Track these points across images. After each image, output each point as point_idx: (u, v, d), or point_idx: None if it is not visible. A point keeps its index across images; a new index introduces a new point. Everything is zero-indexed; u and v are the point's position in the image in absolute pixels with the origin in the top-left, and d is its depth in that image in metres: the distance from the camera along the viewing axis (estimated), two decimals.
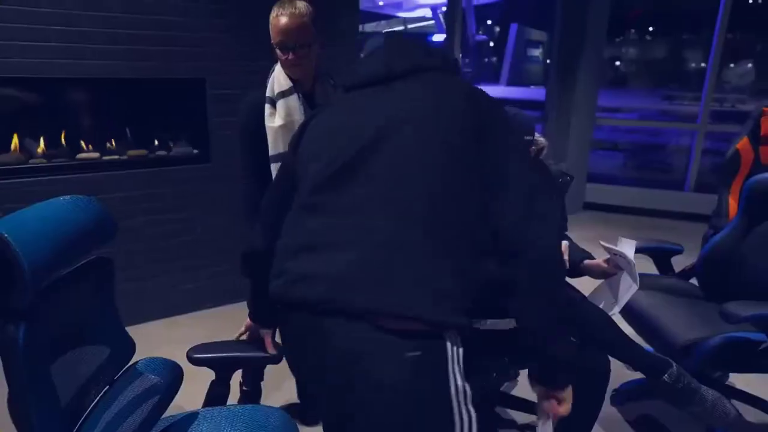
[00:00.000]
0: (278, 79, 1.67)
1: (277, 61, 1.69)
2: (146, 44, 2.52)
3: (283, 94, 1.65)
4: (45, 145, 2.56)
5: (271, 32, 1.61)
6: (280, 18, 1.57)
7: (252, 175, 1.70)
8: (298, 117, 1.64)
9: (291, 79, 1.66)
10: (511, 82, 30.07)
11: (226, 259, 2.88)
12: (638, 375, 1.76)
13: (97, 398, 1.18)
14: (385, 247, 0.89)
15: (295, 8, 1.57)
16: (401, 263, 0.88)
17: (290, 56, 1.60)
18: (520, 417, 2.00)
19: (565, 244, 1.56)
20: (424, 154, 0.94)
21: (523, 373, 2.23)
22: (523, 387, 2.19)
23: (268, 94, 1.67)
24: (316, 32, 1.63)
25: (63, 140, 2.61)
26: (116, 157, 2.66)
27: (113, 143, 2.71)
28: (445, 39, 4.54)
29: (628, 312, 1.94)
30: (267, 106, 1.66)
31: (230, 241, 2.85)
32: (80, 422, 1.11)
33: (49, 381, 1.03)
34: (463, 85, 1.02)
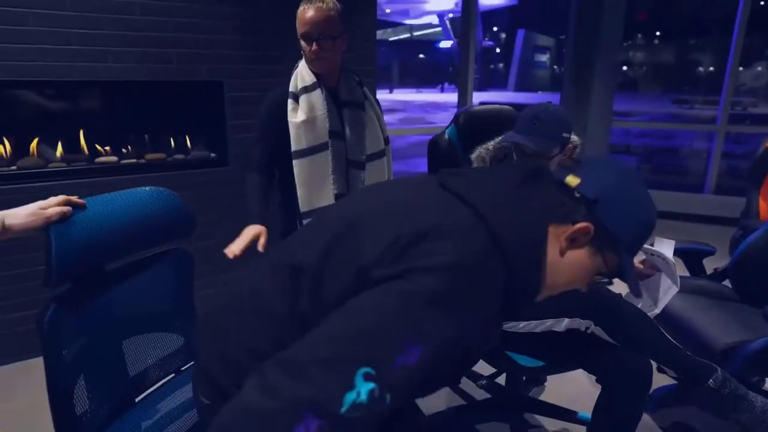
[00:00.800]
0: (301, 74, 1.65)
1: (302, 57, 1.68)
2: (164, 47, 2.51)
3: (306, 90, 1.63)
4: (63, 148, 2.55)
5: (297, 25, 1.61)
6: (307, 10, 1.58)
7: (259, 168, 1.70)
8: (321, 112, 1.62)
9: (314, 74, 1.64)
10: (518, 88, 30.07)
11: (244, 264, 2.84)
12: (659, 380, 1.71)
13: (160, 383, 1.28)
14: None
15: (323, 2, 1.57)
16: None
17: (314, 47, 1.58)
18: (548, 423, 1.95)
19: None
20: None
21: (551, 379, 2.19)
22: (550, 392, 2.14)
23: (291, 89, 1.65)
24: (342, 28, 1.61)
25: (82, 144, 2.60)
26: (134, 160, 2.65)
27: (130, 147, 2.70)
28: (453, 45, 4.52)
29: (660, 314, 1.89)
30: (290, 102, 1.64)
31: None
32: (135, 402, 1.22)
33: (89, 362, 1.09)
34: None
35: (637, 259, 1.57)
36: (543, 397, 2.09)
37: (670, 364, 1.45)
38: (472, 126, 1.83)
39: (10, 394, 2.17)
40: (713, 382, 1.39)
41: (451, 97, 25.36)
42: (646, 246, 1.53)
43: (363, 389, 0.62)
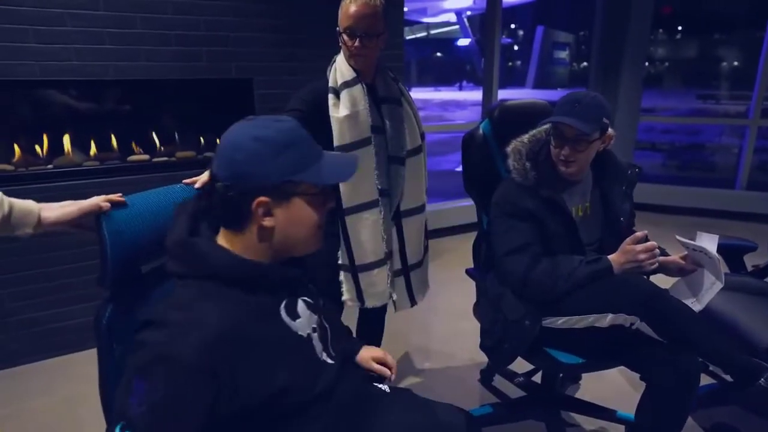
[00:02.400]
0: (341, 69, 1.64)
1: (338, 52, 1.67)
2: (195, 45, 2.53)
3: (347, 85, 1.62)
4: (96, 147, 2.59)
5: (340, 18, 1.59)
6: (351, 4, 1.55)
7: None
8: (363, 107, 1.61)
9: (353, 69, 1.63)
10: (537, 85, 29.77)
11: None
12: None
13: None
14: None
15: None
16: None
17: (356, 43, 1.57)
18: (585, 421, 1.92)
19: (643, 233, 1.48)
20: None
21: (586, 376, 2.15)
22: (585, 390, 2.11)
23: (330, 84, 1.63)
24: (385, 25, 1.60)
25: (114, 142, 2.63)
26: (165, 159, 2.68)
27: (160, 146, 2.73)
28: (471, 43, 4.48)
29: (701, 310, 1.84)
30: (330, 97, 1.62)
31: None
32: None
33: None
34: None
35: (679, 255, 1.54)
36: (579, 395, 2.06)
37: (721, 363, 1.41)
38: (506, 120, 1.80)
39: (49, 388, 2.21)
40: (765, 381, 1.35)
41: (470, 95, 25.19)
42: (687, 241, 1.49)
43: None
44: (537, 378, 1.99)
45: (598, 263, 1.46)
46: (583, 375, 2.15)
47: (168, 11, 2.44)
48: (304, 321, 0.96)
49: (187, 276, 0.89)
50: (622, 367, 1.52)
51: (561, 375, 1.94)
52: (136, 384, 0.78)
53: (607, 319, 1.41)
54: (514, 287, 1.54)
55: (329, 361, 0.99)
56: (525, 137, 1.65)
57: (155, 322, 0.82)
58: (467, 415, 1.13)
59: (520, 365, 1.85)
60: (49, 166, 2.44)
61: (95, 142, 2.59)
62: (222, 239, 0.93)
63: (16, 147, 2.42)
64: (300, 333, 0.94)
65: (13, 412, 2.06)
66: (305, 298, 0.99)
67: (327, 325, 1.03)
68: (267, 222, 0.89)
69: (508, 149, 1.64)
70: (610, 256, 1.48)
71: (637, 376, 1.46)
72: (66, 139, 2.52)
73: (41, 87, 2.47)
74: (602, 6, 4.77)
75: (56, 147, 2.51)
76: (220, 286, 0.87)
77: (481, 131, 1.83)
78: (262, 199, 0.87)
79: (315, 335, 0.98)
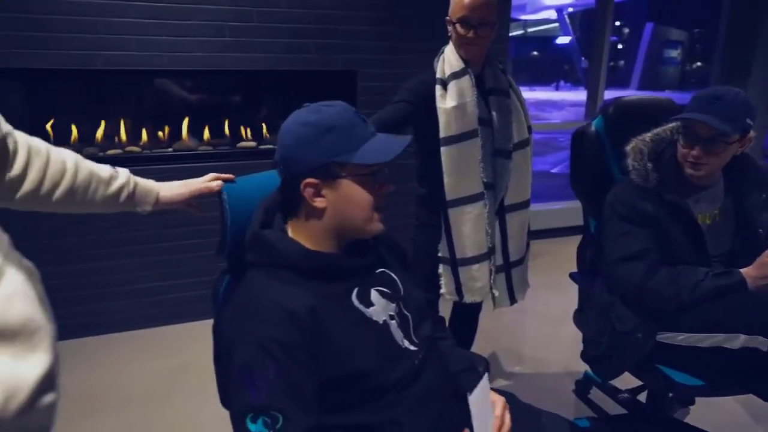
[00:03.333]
0: (449, 60, 1.61)
1: (446, 43, 1.65)
2: (305, 37, 2.62)
3: (455, 75, 1.59)
4: (210, 133, 2.77)
5: (452, 8, 1.58)
6: None
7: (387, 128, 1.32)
8: (471, 99, 1.58)
9: (462, 60, 1.60)
10: (642, 86, 27.84)
11: None
12: None
13: None
14: None
15: None
16: None
17: (470, 34, 1.55)
18: None
19: None
20: None
21: (700, 402, 1.96)
22: (696, 416, 1.92)
23: (438, 75, 1.61)
24: (497, 16, 1.57)
25: (226, 129, 2.80)
26: (271, 146, 2.80)
27: (267, 133, 2.86)
28: (571, 41, 4.25)
29: None
30: (438, 88, 1.60)
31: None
32: None
33: None
34: None
35: None
36: (688, 421, 1.89)
37: None
38: (623, 117, 1.68)
39: (162, 354, 2.40)
40: None
41: (567, 95, 24.06)
42: None
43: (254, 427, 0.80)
44: (641, 397, 1.85)
45: (730, 277, 1.32)
46: (697, 400, 1.96)
47: (281, 5, 2.54)
48: (379, 308, 0.96)
49: (262, 265, 0.93)
50: (741, 397, 1.37)
51: (671, 396, 1.79)
52: (246, 379, 0.82)
53: (739, 340, 1.27)
54: (628, 296, 1.43)
55: (411, 347, 0.98)
56: (647, 135, 1.53)
57: (236, 318, 0.89)
58: (572, 425, 1.06)
59: (623, 381, 1.73)
60: (169, 150, 2.64)
61: (209, 129, 2.76)
62: (291, 230, 0.97)
63: (143, 131, 2.65)
64: (375, 319, 0.95)
65: (124, 373, 2.25)
66: (380, 288, 0.99)
67: (408, 314, 1.02)
68: (318, 203, 0.92)
69: (628, 148, 1.52)
70: (743, 270, 1.33)
71: (762, 408, 1.31)
72: (184, 126, 2.72)
73: (166, 76, 2.68)
74: (729, 0, 4.34)
75: (175, 132, 2.71)
76: (292, 274, 0.91)
77: (593, 128, 1.73)
78: (310, 180, 0.91)
79: (393, 323, 0.97)
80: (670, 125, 1.50)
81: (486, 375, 1.03)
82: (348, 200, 0.93)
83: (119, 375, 2.23)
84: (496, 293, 1.74)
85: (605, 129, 1.71)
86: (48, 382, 0.58)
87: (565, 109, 16.27)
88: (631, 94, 1.82)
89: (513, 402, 1.08)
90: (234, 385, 0.84)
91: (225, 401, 0.99)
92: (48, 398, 0.58)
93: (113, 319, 2.55)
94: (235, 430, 0.83)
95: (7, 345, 0.55)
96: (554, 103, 19.14)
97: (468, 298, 1.71)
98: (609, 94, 3.04)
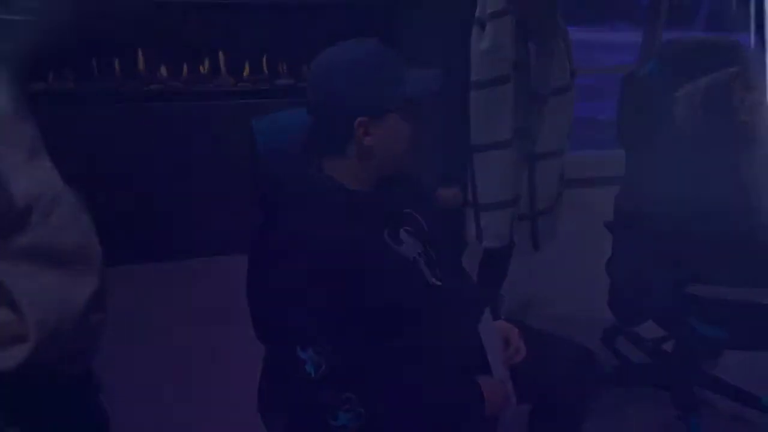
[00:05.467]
0: None
1: None
2: None
3: (495, 15, 1.50)
4: (249, 69, 2.76)
5: None
6: None
7: None
8: (509, 40, 1.50)
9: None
10: (709, 26, 25.67)
11: None
12: None
13: None
14: None
15: None
16: None
17: None
18: (718, 400, 1.75)
19: None
20: None
21: (728, 355, 1.94)
22: (724, 368, 1.89)
23: (478, 13, 1.53)
24: None
25: (264, 66, 2.78)
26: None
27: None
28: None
29: None
30: (475, 28, 1.52)
31: None
32: None
33: None
34: None
35: None
36: (716, 374, 1.88)
37: None
38: (681, 59, 1.58)
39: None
40: None
41: (624, 36, 22.34)
42: None
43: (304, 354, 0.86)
44: (668, 346, 1.85)
45: None
46: (727, 353, 1.94)
47: None
48: (408, 246, 1.00)
49: (298, 203, 0.96)
50: None
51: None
52: (289, 310, 0.88)
53: None
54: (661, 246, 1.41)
55: (438, 283, 1.03)
56: (701, 81, 1.44)
57: (273, 253, 0.93)
58: (589, 351, 1.13)
59: (650, 331, 1.72)
60: (210, 86, 2.66)
61: (249, 65, 2.75)
62: (329, 168, 0.98)
63: (184, 66, 2.66)
64: (406, 255, 0.99)
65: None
66: (407, 227, 1.02)
67: (432, 252, 1.05)
68: (368, 141, 0.93)
69: (678, 94, 1.45)
70: None
71: None
72: (221, 61, 2.71)
73: (205, 9, 2.66)
74: None
75: (214, 68, 2.71)
76: (330, 212, 0.94)
77: (647, 71, 1.63)
78: (363, 118, 0.91)
79: (421, 260, 1.01)
80: (731, 70, 1.41)
81: (488, 308, 1.07)
82: (393, 135, 0.95)
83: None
84: (516, 241, 1.74)
85: (661, 73, 1.61)
86: (97, 301, 0.63)
87: (624, 53, 15.25)
88: (694, 35, 1.70)
89: (526, 331, 1.12)
90: (277, 315, 0.90)
91: (260, 333, 1.03)
92: (97, 317, 0.64)
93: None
94: (280, 360, 0.90)
95: (64, 267, 0.61)
96: (608, 46, 17.98)
97: (487, 243, 1.71)
98: (670, 36, 2.86)
